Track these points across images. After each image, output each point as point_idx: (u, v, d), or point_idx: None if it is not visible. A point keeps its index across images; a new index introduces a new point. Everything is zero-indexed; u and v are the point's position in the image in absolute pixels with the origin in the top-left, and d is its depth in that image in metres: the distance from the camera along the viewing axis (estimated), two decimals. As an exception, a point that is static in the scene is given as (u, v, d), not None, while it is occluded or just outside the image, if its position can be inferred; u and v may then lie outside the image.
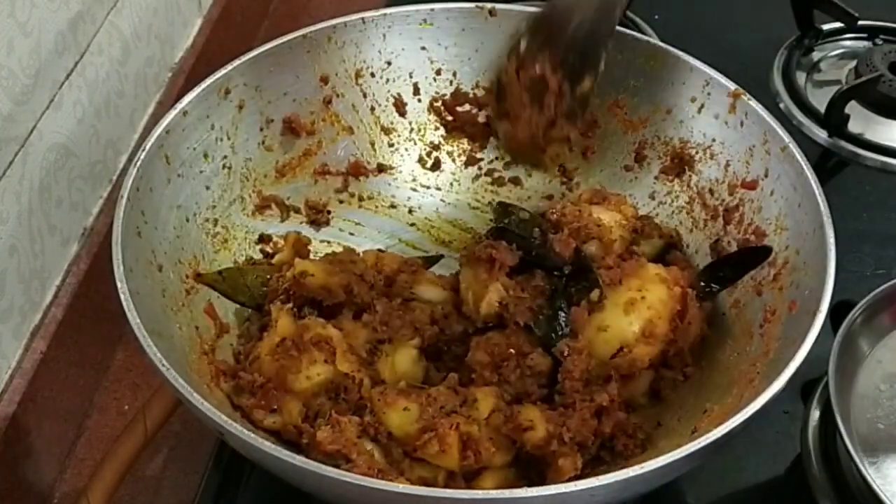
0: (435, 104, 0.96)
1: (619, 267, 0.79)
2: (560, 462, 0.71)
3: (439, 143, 0.97)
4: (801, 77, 1.14)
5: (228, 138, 0.87)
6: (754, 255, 0.83)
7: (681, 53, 0.88)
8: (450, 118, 0.97)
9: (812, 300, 0.71)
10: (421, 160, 0.97)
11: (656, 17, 1.19)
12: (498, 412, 0.73)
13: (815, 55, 1.17)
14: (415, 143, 0.97)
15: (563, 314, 0.78)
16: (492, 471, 0.72)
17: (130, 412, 0.88)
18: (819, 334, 0.69)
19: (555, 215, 0.85)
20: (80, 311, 0.86)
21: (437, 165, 0.97)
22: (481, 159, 0.97)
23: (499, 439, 0.73)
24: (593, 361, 0.76)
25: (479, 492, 0.65)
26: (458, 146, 0.97)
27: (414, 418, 0.72)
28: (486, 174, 0.97)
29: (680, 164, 0.90)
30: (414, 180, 0.97)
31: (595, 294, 0.78)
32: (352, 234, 0.94)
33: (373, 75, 0.94)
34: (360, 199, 0.95)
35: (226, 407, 0.74)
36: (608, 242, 0.83)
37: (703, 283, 0.83)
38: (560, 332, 0.77)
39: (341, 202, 0.95)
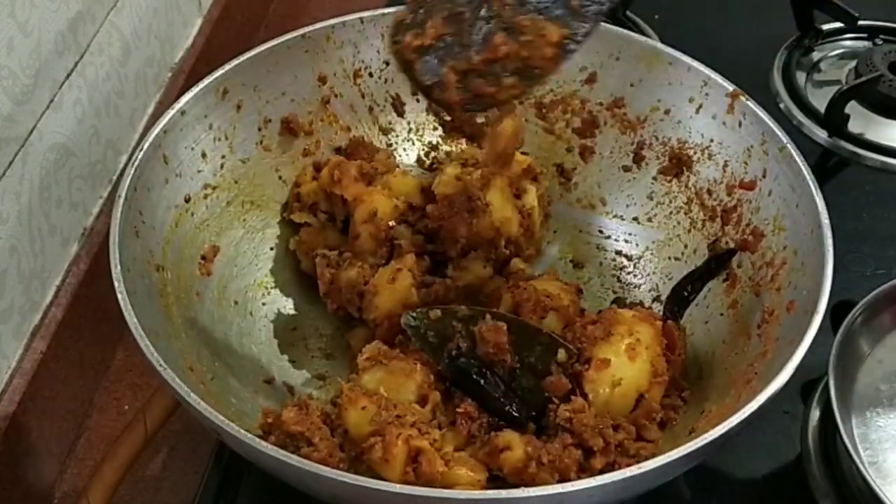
0: (433, 104, 0.96)
1: (600, 321, 0.76)
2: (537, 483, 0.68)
3: (437, 143, 0.97)
4: (801, 77, 1.14)
5: (226, 138, 0.87)
6: (718, 263, 0.83)
7: (678, 54, 0.88)
8: (448, 118, 0.96)
9: (810, 300, 0.71)
10: (419, 160, 0.97)
11: (656, 17, 1.19)
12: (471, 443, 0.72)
13: (815, 55, 1.17)
14: (413, 144, 0.97)
15: (518, 412, 0.73)
16: (462, 488, 0.69)
17: (130, 412, 0.88)
18: (819, 334, 0.69)
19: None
20: (80, 311, 0.86)
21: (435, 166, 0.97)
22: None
23: (469, 463, 0.70)
24: (608, 420, 0.72)
25: (478, 492, 0.65)
26: (456, 146, 0.97)
27: (368, 419, 0.70)
28: (484, 174, 0.97)
29: (678, 164, 0.90)
30: (413, 181, 0.97)
31: (562, 355, 0.75)
32: (351, 234, 0.94)
33: (371, 75, 0.94)
34: (359, 199, 0.95)
35: (222, 405, 0.74)
36: (564, 309, 0.79)
37: (668, 310, 0.83)
38: (527, 414, 0.74)
39: (339, 202, 0.94)
